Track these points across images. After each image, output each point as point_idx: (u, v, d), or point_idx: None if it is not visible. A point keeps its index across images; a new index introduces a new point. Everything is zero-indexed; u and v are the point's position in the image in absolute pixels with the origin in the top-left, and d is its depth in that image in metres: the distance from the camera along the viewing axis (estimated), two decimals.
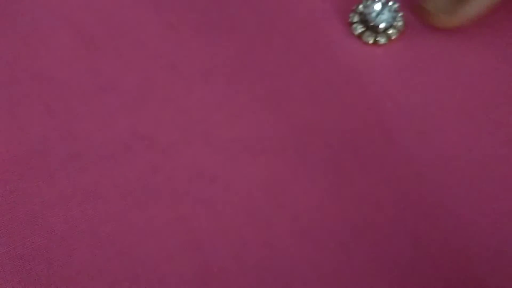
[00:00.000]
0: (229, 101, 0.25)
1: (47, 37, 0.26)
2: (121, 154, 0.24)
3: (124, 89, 0.25)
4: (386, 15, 0.26)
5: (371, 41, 0.26)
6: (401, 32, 0.27)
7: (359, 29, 0.27)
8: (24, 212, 0.23)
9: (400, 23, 0.27)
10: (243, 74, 0.26)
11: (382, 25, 0.26)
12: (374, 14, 0.26)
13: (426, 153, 0.24)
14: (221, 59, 0.26)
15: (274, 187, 0.23)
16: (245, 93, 0.25)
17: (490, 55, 0.26)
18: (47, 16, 0.26)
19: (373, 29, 0.26)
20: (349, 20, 0.27)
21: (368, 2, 0.27)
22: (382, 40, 0.26)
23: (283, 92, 0.26)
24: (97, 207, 0.23)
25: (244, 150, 0.24)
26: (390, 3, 0.27)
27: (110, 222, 0.23)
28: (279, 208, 0.23)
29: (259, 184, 0.23)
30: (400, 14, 0.27)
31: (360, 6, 0.27)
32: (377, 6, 0.26)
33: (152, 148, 0.24)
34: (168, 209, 0.23)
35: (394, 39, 0.27)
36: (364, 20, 0.27)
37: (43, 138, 0.24)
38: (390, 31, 0.27)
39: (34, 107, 0.25)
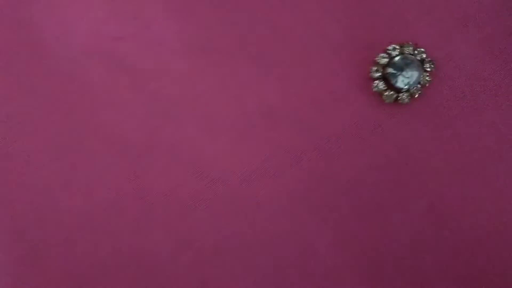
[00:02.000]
0: (244, 162, 0.24)
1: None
2: (191, 211, 0.24)
3: (183, 155, 0.24)
4: (411, 75, 0.23)
5: (391, 101, 0.24)
6: (426, 88, 0.24)
7: (380, 86, 0.24)
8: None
9: (426, 79, 0.24)
10: (253, 133, 0.24)
11: (405, 85, 0.24)
12: (396, 75, 0.23)
13: (440, 211, 0.24)
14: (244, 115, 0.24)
15: (293, 241, 0.24)
16: (255, 150, 0.24)
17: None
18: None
19: (395, 88, 0.24)
20: (370, 74, 0.24)
21: (392, 54, 0.24)
22: (405, 99, 0.24)
23: (299, 146, 0.24)
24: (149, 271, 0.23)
25: (258, 210, 0.24)
26: (418, 58, 0.24)
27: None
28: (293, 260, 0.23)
29: (275, 241, 0.24)
30: (428, 69, 0.24)
31: (383, 59, 0.24)
32: (401, 64, 0.23)
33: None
34: (192, 271, 0.24)
35: (417, 97, 0.24)
36: (385, 78, 0.24)
37: (117, 196, 0.24)
38: (414, 89, 0.24)
39: (123, 171, 0.24)
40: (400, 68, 0.23)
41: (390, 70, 0.23)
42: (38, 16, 0.25)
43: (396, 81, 0.24)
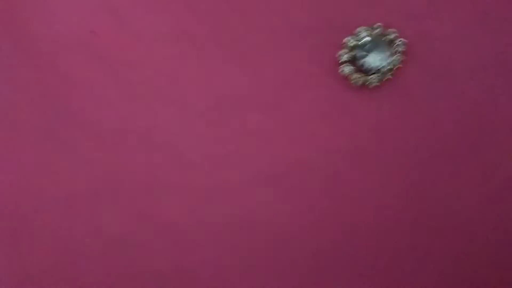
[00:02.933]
0: (218, 147, 0.24)
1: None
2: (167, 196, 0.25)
3: (158, 140, 0.25)
4: (379, 57, 0.23)
5: (359, 84, 0.24)
6: (397, 70, 0.24)
7: (347, 70, 0.23)
8: None
9: (397, 60, 0.23)
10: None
11: (373, 67, 0.23)
12: (364, 57, 0.23)
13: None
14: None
15: (265, 227, 0.24)
16: (227, 135, 0.24)
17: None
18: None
19: (364, 71, 0.23)
20: (337, 57, 0.24)
21: (361, 35, 0.23)
22: (373, 82, 0.23)
23: (268, 132, 0.24)
24: None
25: (231, 193, 0.24)
26: (388, 39, 0.23)
27: None
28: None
29: (246, 225, 0.24)
30: (399, 49, 0.23)
31: (350, 42, 0.23)
32: (369, 46, 0.23)
33: None
34: (166, 254, 0.24)
35: (388, 79, 0.24)
36: (353, 60, 0.23)
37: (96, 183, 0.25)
38: (384, 71, 0.23)
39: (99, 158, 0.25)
40: (368, 50, 0.23)
41: (357, 52, 0.23)
42: (15, 10, 0.26)
43: (363, 64, 0.23)
